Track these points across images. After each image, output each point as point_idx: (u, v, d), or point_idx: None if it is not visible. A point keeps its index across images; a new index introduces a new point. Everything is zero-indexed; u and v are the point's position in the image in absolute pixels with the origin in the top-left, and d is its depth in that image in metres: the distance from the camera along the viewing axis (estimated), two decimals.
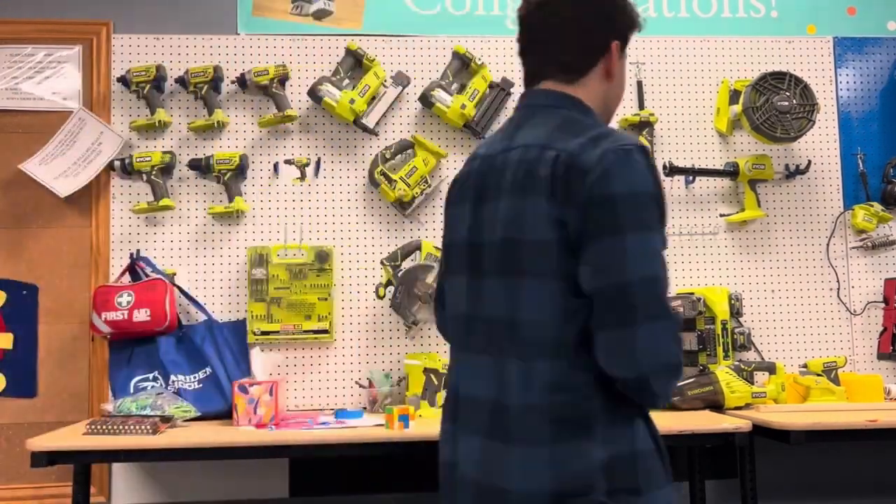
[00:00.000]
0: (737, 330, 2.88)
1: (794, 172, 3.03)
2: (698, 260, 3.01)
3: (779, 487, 2.91)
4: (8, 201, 2.84)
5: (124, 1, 2.94)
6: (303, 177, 2.93)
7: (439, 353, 2.81)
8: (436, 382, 2.68)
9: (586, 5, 1.50)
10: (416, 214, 2.94)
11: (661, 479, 1.35)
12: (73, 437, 2.28)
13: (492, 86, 2.97)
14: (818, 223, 3.07)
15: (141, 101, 2.88)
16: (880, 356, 3.01)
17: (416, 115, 2.99)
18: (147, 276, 2.77)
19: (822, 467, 2.96)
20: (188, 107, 2.92)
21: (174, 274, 2.82)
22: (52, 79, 2.88)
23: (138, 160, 2.81)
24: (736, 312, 2.88)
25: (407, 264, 2.82)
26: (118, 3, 2.94)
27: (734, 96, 3.01)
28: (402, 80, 2.95)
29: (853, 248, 3.06)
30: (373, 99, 2.92)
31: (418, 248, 2.84)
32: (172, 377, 2.65)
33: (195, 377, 2.68)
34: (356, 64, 2.93)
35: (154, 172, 2.80)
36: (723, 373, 2.64)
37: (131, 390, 2.64)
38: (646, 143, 2.95)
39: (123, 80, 2.87)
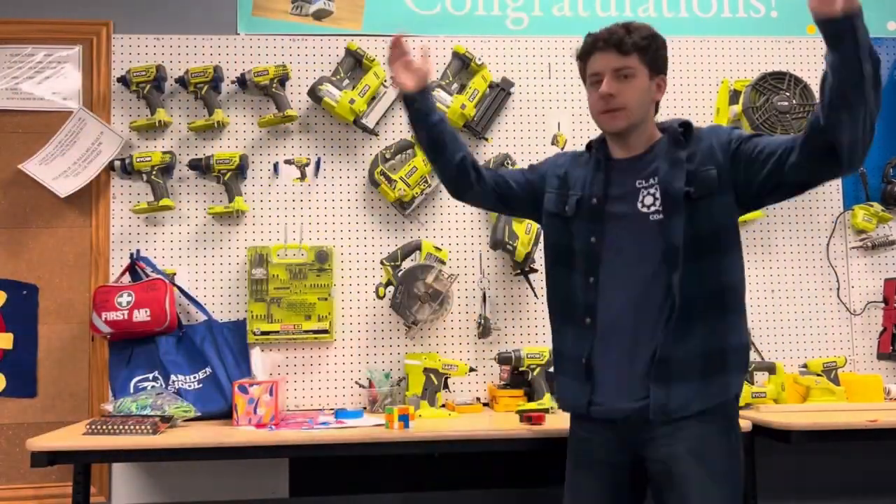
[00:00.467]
0: None
1: None
2: None
3: (779, 487, 2.91)
4: (8, 201, 2.84)
5: (124, 1, 2.94)
6: (303, 177, 2.93)
7: (439, 353, 2.82)
8: (435, 382, 2.68)
9: None
10: (416, 214, 2.94)
11: None
12: (73, 437, 2.28)
13: (492, 86, 2.97)
14: (818, 223, 3.07)
15: (141, 101, 2.88)
16: (880, 356, 3.01)
17: None
18: (147, 276, 2.77)
19: (822, 467, 2.96)
20: (188, 107, 2.92)
21: (174, 274, 2.83)
22: (52, 79, 2.89)
23: (138, 160, 2.81)
24: None
25: (407, 264, 2.82)
26: (118, 3, 2.94)
27: (734, 96, 3.02)
28: None
29: (853, 248, 3.06)
30: (373, 99, 2.92)
31: (418, 248, 2.84)
32: (172, 377, 2.65)
33: (195, 377, 2.68)
34: (356, 64, 2.93)
35: (154, 172, 2.80)
36: None
37: (131, 390, 2.64)
38: None
39: (123, 80, 2.87)
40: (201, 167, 2.84)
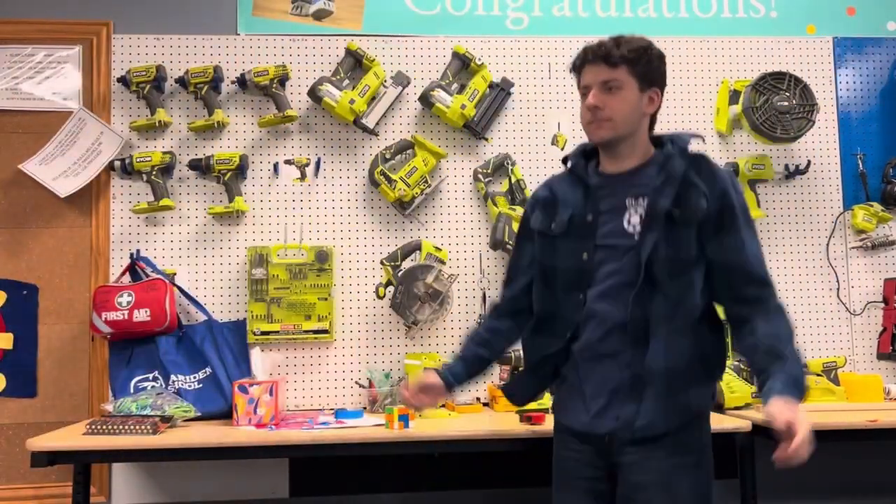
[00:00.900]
0: None
1: (793, 172, 3.03)
2: None
3: (779, 487, 2.90)
4: (8, 201, 2.84)
5: (124, 1, 2.94)
6: (303, 177, 2.93)
7: (439, 353, 2.82)
8: None
9: None
10: (416, 214, 2.94)
11: None
12: (73, 437, 2.28)
13: (492, 86, 2.97)
14: (818, 223, 3.07)
15: (141, 101, 2.88)
16: (880, 356, 3.01)
17: (416, 115, 2.99)
18: (147, 276, 2.77)
19: (822, 467, 2.95)
20: (188, 107, 2.92)
21: (174, 274, 2.83)
22: (52, 79, 2.89)
23: (138, 160, 2.81)
24: None
25: (407, 264, 2.82)
26: (118, 3, 2.94)
27: (734, 96, 3.02)
28: (402, 80, 2.95)
29: (853, 248, 3.06)
30: (373, 99, 2.92)
31: (418, 248, 2.84)
32: (172, 377, 2.65)
33: (195, 377, 2.68)
34: (356, 64, 2.93)
35: (154, 172, 2.80)
36: None
37: (131, 390, 2.64)
38: None
39: (123, 80, 2.87)
40: (201, 167, 2.84)
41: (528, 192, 2.91)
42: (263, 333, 2.79)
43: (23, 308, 2.80)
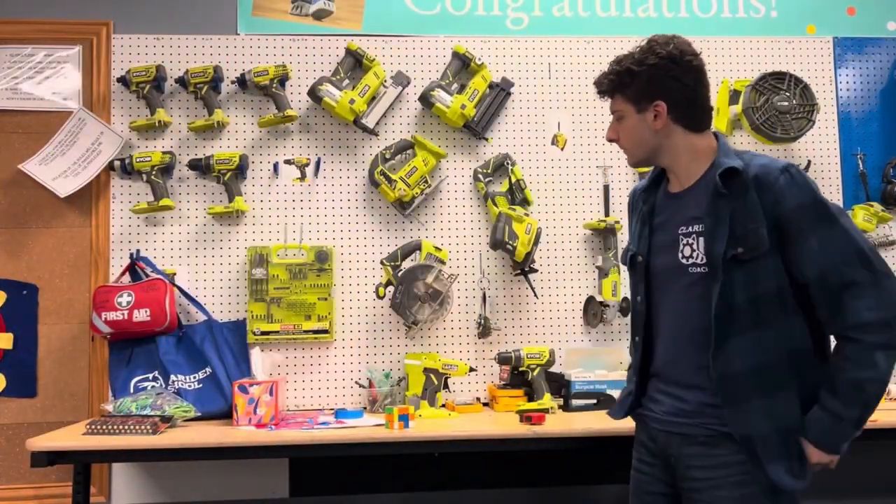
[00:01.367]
0: None
1: None
2: None
3: None
4: (8, 201, 2.84)
5: (124, 1, 2.94)
6: (303, 177, 2.93)
7: (439, 353, 2.82)
8: (435, 382, 2.68)
9: None
10: (416, 214, 2.94)
11: None
12: (73, 437, 2.28)
13: (492, 86, 2.97)
14: None
15: (141, 101, 2.88)
16: None
17: (416, 115, 2.99)
18: (147, 276, 2.77)
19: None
20: (188, 107, 2.92)
21: (174, 274, 2.83)
22: (52, 79, 2.89)
23: (138, 160, 2.81)
24: None
25: (407, 264, 2.82)
26: (118, 3, 2.94)
27: (734, 96, 3.01)
28: (402, 80, 2.95)
29: None
30: (373, 99, 2.92)
31: (418, 248, 2.84)
32: (172, 377, 2.65)
33: (195, 377, 2.68)
34: (356, 64, 2.93)
35: (154, 172, 2.80)
36: None
37: (131, 390, 2.64)
38: None
39: (123, 80, 2.87)
40: (201, 167, 2.84)
41: (528, 192, 2.91)
42: (263, 333, 2.79)
43: (23, 308, 2.80)
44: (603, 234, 2.93)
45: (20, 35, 2.89)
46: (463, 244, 2.95)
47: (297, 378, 2.85)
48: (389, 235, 2.93)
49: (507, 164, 2.93)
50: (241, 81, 2.88)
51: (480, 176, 2.92)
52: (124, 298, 2.68)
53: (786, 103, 2.90)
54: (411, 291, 2.77)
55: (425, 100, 2.90)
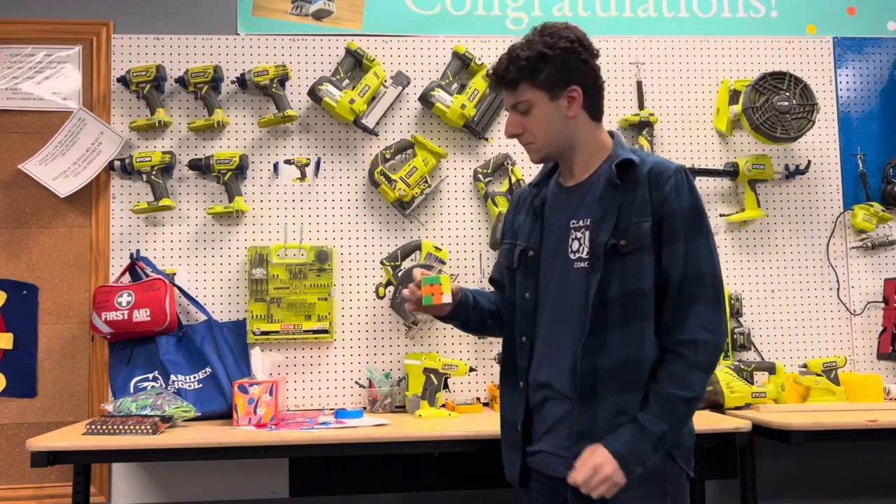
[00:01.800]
0: (736, 330, 2.89)
1: (793, 172, 3.03)
2: None
3: (779, 487, 2.91)
4: (8, 201, 2.84)
5: (124, 1, 2.94)
6: (303, 177, 2.93)
7: (439, 353, 2.82)
8: (435, 382, 2.68)
9: None
10: (416, 214, 2.94)
11: None
12: (73, 437, 2.28)
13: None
14: (818, 223, 3.07)
15: (141, 101, 2.88)
16: (880, 356, 3.01)
17: (416, 115, 2.99)
18: (147, 276, 2.77)
19: (822, 467, 2.96)
20: (188, 107, 2.92)
21: (174, 274, 2.83)
22: (52, 79, 2.89)
23: (138, 160, 2.81)
24: (736, 312, 2.89)
25: (407, 264, 2.82)
26: (118, 3, 2.94)
27: (734, 96, 3.02)
28: (402, 80, 2.95)
29: (853, 248, 3.06)
30: (373, 99, 2.92)
31: (418, 248, 2.84)
32: (172, 377, 2.65)
33: (195, 377, 2.68)
34: (356, 64, 2.93)
35: (154, 172, 2.80)
36: (723, 373, 2.64)
37: (131, 390, 2.64)
38: (645, 143, 2.95)
39: (123, 80, 2.87)
40: (201, 167, 2.84)
41: None
42: (263, 333, 2.79)
43: (23, 308, 2.80)
44: None
45: (20, 35, 2.89)
46: (463, 244, 2.95)
47: (297, 378, 2.85)
48: (389, 235, 2.93)
49: (508, 164, 2.93)
50: (241, 81, 2.88)
51: (480, 176, 2.92)
52: (124, 298, 2.68)
53: (786, 103, 2.90)
54: None
55: (425, 100, 2.90)
